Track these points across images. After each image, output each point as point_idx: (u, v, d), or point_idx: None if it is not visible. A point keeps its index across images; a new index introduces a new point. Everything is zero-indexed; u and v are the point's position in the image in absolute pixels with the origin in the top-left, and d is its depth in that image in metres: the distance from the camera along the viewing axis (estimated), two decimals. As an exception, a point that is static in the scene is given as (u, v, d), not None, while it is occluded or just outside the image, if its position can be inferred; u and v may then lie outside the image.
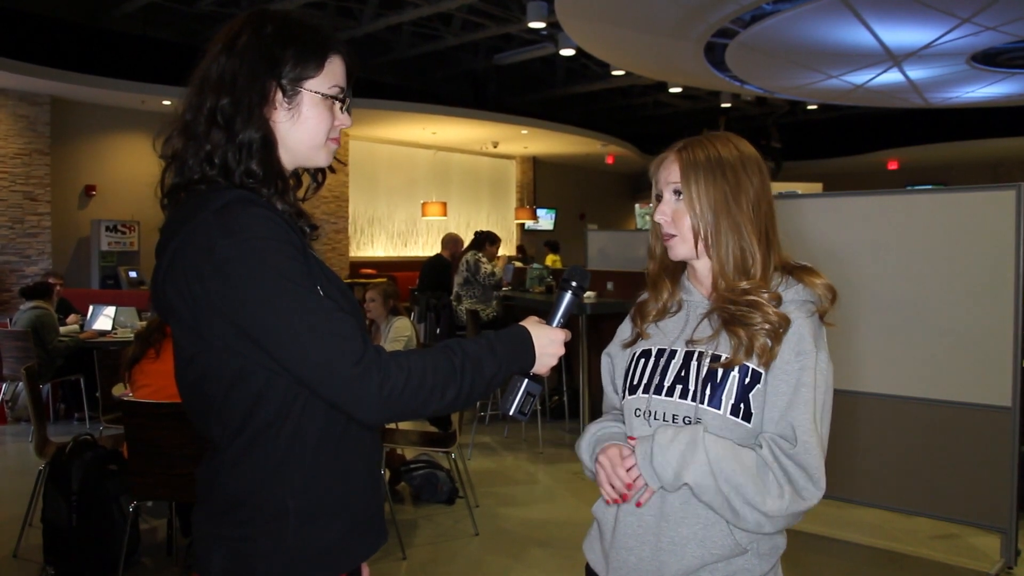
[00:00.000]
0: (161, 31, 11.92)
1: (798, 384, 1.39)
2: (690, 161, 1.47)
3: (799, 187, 16.15)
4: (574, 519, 4.67)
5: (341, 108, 1.37)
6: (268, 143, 1.29)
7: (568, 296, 1.48)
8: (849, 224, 4.22)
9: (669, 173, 1.50)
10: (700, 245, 1.47)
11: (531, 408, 1.42)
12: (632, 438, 1.47)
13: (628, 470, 1.43)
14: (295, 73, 1.30)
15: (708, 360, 1.43)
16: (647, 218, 20.52)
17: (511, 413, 1.41)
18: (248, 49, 1.29)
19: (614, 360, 1.64)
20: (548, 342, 1.39)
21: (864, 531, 4.36)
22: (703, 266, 1.51)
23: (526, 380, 1.40)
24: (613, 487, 1.46)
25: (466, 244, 8.27)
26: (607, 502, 1.49)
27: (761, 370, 1.40)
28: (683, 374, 1.46)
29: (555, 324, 1.45)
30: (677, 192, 1.49)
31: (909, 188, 12.09)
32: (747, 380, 1.40)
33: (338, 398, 1.19)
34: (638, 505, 1.45)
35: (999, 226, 3.77)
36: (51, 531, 3.81)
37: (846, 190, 4.76)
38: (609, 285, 7.25)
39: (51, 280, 7.46)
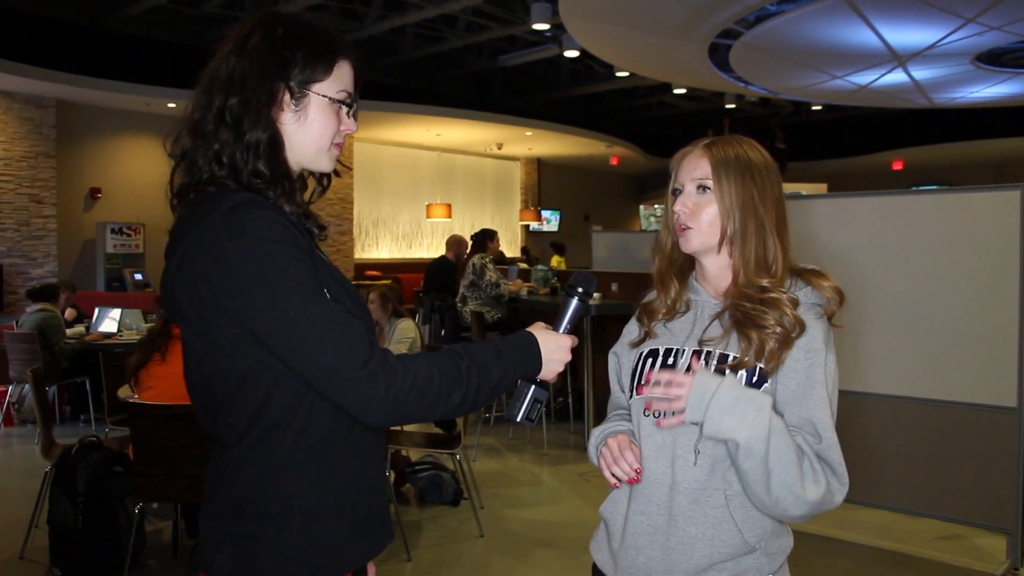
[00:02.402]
0: (166, 34, 11.96)
1: (809, 380, 1.39)
2: (721, 159, 1.48)
3: (804, 188, 16.17)
4: (579, 520, 4.67)
5: (348, 113, 1.37)
6: (275, 144, 1.30)
7: (575, 302, 1.48)
8: (854, 225, 4.22)
9: (695, 168, 1.50)
10: (724, 241, 1.48)
11: (538, 414, 1.42)
12: (638, 480, 1.45)
13: (676, 383, 1.37)
14: (304, 76, 1.31)
15: (716, 360, 1.44)
16: (652, 219, 20.55)
17: (518, 419, 1.41)
18: (258, 50, 1.29)
19: (621, 359, 1.64)
20: (555, 348, 1.39)
21: (869, 532, 4.36)
22: (713, 264, 1.52)
23: (533, 386, 1.40)
24: (615, 474, 1.46)
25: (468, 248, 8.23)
26: (615, 486, 1.49)
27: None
28: (691, 373, 1.46)
29: (562, 330, 1.45)
30: (701, 187, 1.49)
31: (914, 188, 12.09)
32: (754, 379, 1.41)
33: (344, 400, 1.19)
34: (659, 425, 1.42)
35: (1004, 226, 3.76)
36: (57, 532, 3.82)
37: (851, 191, 4.76)
38: (613, 286, 7.25)
39: (65, 295, 7.43)
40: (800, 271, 1.49)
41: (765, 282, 1.44)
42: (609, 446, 1.48)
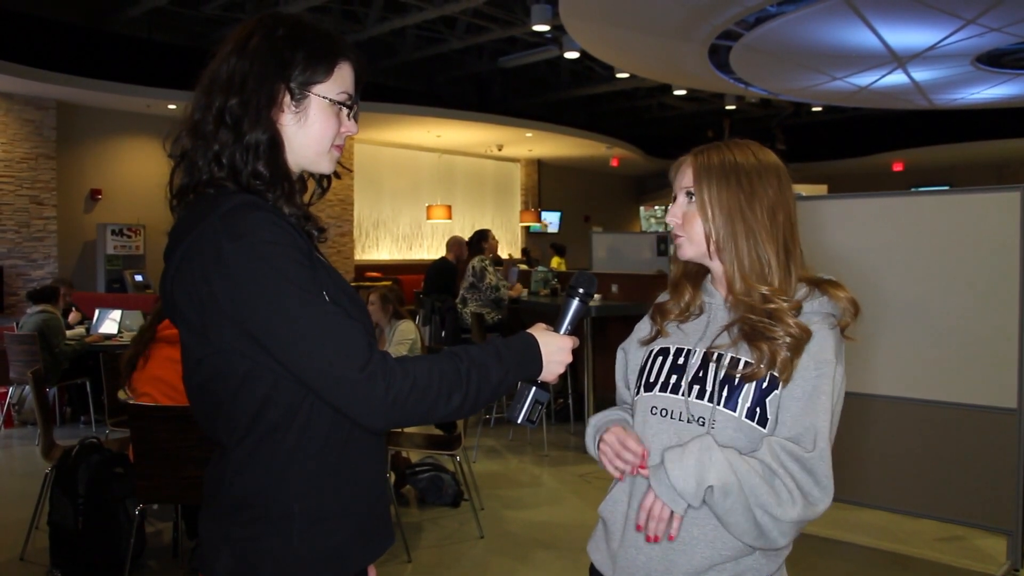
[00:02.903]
0: (166, 35, 11.96)
1: (815, 391, 1.39)
2: (704, 165, 1.48)
3: (804, 189, 16.15)
4: (579, 521, 4.67)
5: (348, 115, 1.37)
6: (275, 145, 1.30)
7: (576, 303, 1.47)
8: (854, 226, 4.22)
9: (683, 176, 1.51)
10: (712, 248, 1.48)
11: (539, 416, 1.42)
12: (644, 466, 1.45)
13: (649, 506, 1.42)
14: (304, 77, 1.31)
15: (727, 364, 1.43)
16: (652, 221, 20.55)
17: (519, 421, 1.41)
18: (259, 51, 1.29)
19: (628, 356, 1.64)
20: (556, 349, 1.39)
21: (870, 533, 4.35)
22: (716, 269, 1.52)
23: (534, 388, 1.40)
24: (618, 466, 1.47)
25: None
26: (619, 479, 1.49)
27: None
28: (701, 375, 1.46)
29: (563, 331, 1.44)
30: (689, 195, 1.50)
31: (914, 190, 12.08)
32: (765, 384, 1.40)
33: (343, 403, 1.19)
34: (671, 539, 1.42)
35: (1004, 227, 3.76)
36: (57, 534, 3.82)
37: (851, 192, 4.76)
38: (614, 288, 7.25)
39: (63, 290, 7.45)
40: (818, 281, 1.48)
41: (764, 290, 1.43)
42: (607, 441, 1.48)
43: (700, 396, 1.44)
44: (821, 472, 1.36)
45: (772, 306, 1.41)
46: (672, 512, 1.40)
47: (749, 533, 1.36)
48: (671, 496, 1.38)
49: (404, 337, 4.98)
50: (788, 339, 1.39)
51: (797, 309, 1.42)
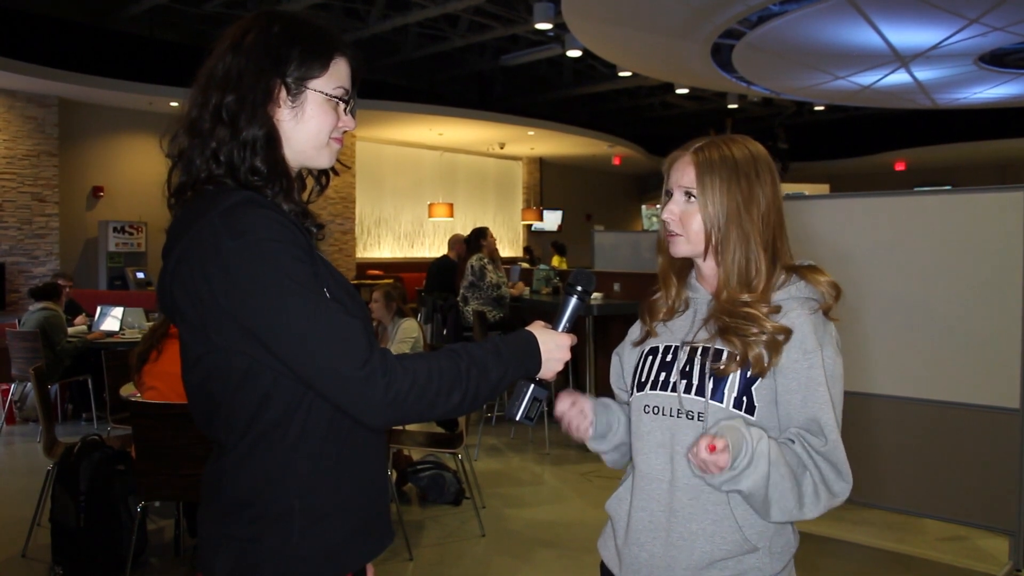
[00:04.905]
0: (168, 32, 11.97)
1: (810, 382, 1.40)
2: (706, 166, 1.47)
3: (806, 188, 16.15)
4: (581, 520, 4.67)
5: (345, 110, 1.37)
6: (272, 140, 1.30)
7: (574, 300, 1.48)
8: (856, 225, 4.22)
9: (682, 175, 1.50)
10: (709, 249, 1.49)
11: (537, 413, 1.42)
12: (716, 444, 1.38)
13: (719, 451, 1.30)
14: (300, 72, 1.31)
15: (710, 357, 1.45)
16: (654, 219, 20.55)
17: (517, 418, 1.41)
18: (254, 47, 1.29)
19: (623, 360, 1.66)
20: (554, 347, 1.39)
21: (872, 533, 4.35)
22: (706, 266, 1.53)
23: (532, 385, 1.40)
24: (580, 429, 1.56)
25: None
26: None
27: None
28: (688, 369, 1.47)
29: (561, 329, 1.45)
30: (688, 194, 1.50)
31: (916, 189, 12.06)
32: (749, 374, 1.42)
33: (343, 401, 1.19)
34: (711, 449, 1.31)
35: (1006, 227, 3.75)
36: (59, 531, 3.83)
37: (853, 191, 4.75)
38: (616, 286, 7.25)
39: (61, 282, 7.47)
40: (796, 267, 1.50)
41: (746, 297, 1.44)
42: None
43: (688, 390, 1.46)
44: (840, 460, 1.41)
45: (750, 311, 1.43)
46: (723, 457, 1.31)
47: (763, 518, 1.41)
48: (728, 460, 1.31)
49: (407, 335, 4.98)
50: (764, 336, 1.40)
51: (776, 312, 1.43)
